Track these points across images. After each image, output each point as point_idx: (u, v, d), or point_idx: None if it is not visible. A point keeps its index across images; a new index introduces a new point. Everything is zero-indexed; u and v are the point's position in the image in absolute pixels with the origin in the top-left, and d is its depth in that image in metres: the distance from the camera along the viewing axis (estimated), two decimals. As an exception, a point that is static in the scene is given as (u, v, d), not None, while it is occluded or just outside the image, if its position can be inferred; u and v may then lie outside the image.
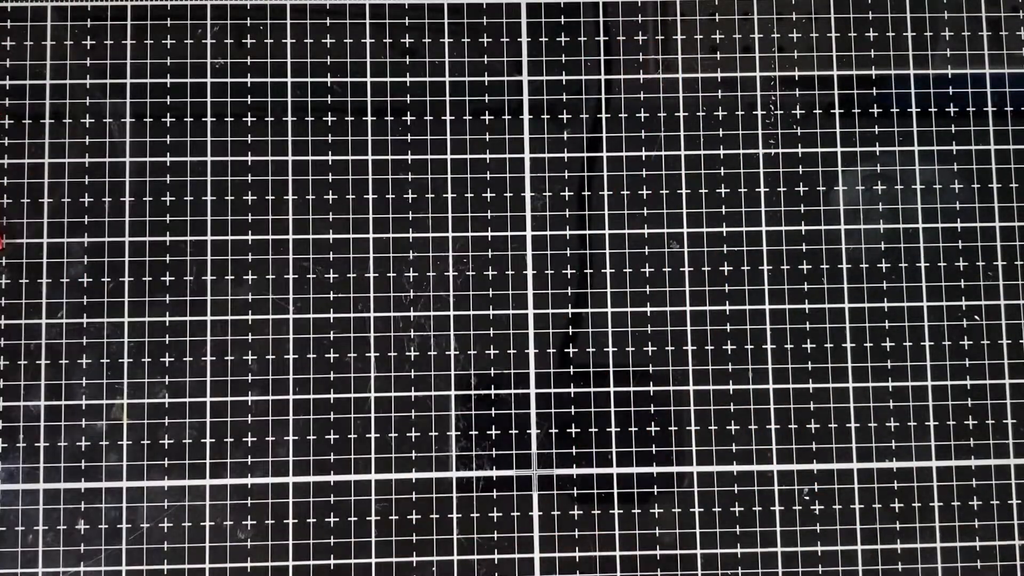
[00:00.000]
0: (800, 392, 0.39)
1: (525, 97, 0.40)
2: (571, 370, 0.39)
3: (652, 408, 0.39)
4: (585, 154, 0.39)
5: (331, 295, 0.39)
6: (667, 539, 0.38)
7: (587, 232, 0.39)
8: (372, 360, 0.39)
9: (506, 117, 0.40)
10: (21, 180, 0.39)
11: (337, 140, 0.39)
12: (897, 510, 0.38)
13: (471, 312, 0.39)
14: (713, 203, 0.39)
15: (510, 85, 0.40)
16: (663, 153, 0.40)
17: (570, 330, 0.39)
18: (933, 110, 0.40)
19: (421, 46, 0.40)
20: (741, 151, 0.40)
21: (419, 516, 0.38)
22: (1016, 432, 0.39)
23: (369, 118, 0.40)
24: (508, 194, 0.39)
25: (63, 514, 0.38)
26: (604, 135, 0.39)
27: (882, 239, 0.40)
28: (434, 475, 0.38)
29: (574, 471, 0.38)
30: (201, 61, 0.40)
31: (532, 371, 0.39)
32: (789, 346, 0.39)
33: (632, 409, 0.38)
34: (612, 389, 0.38)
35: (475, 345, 0.38)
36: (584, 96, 0.40)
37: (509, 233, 0.39)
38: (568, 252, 0.39)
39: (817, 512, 0.38)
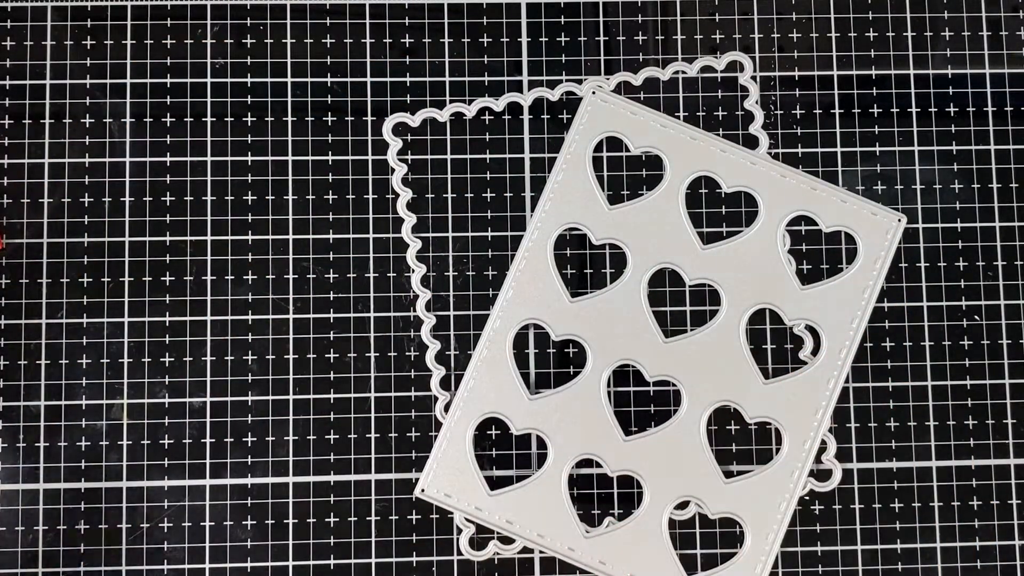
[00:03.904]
0: (800, 392, 0.38)
1: (525, 97, 0.40)
2: (571, 369, 0.39)
3: (652, 408, 0.39)
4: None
5: (331, 295, 0.39)
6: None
7: (587, 232, 0.39)
8: (372, 360, 0.39)
9: (506, 117, 0.40)
10: (21, 180, 0.39)
11: (337, 140, 0.39)
12: (897, 510, 0.38)
13: (471, 312, 0.39)
14: (713, 203, 0.39)
15: (510, 85, 0.40)
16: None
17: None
18: (933, 110, 0.40)
19: (421, 46, 0.40)
20: (741, 151, 0.40)
21: (419, 516, 0.38)
22: (1016, 432, 0.39)
23: (369, 118, 0.40)
24: (508, 194, 0.39)
25: (63, 514, 0.38)
26: (604, 135, 0.39)
27: (882, 239, 0.40)
28: (434, 475, 0.38)
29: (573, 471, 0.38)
30: (201, 61, 0.40)
31: (532, 371, 0.39)
32: (789, 346, 0.39)
33: (632, 409, 0.38)
34: (612, 389, 0.38)
35: (475, 345, 0.38)
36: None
37: (509, 233, 0.39)
38: (568, 252, 0.39)
39: (817, 512, 0.38)
